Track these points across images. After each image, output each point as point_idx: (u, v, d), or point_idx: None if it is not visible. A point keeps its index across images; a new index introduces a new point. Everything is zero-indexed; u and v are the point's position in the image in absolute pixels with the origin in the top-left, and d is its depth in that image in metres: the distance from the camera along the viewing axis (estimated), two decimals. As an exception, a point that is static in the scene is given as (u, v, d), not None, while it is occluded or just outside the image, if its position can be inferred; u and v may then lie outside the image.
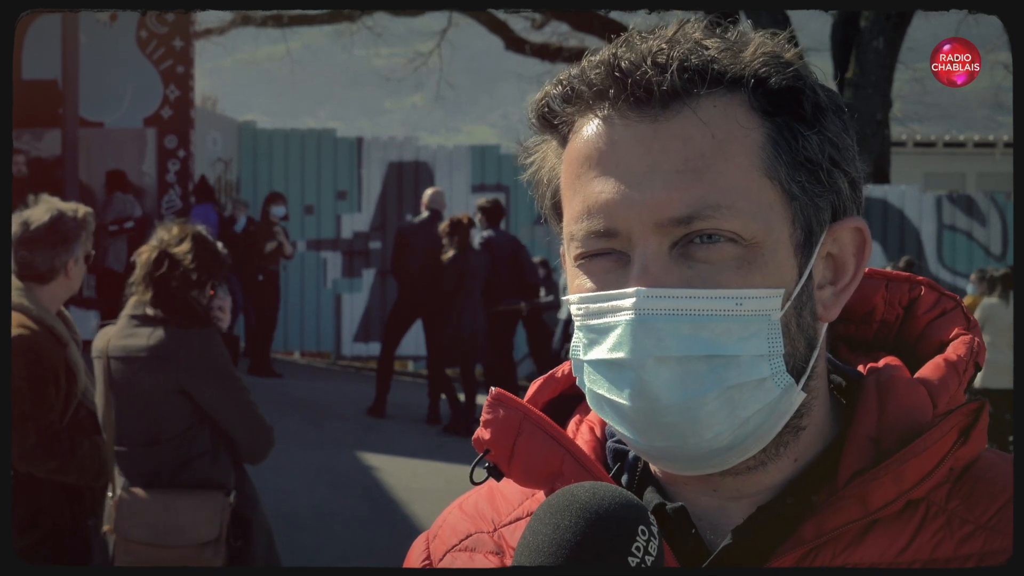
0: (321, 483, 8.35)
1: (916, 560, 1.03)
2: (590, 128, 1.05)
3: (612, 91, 1.03)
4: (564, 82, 1.07)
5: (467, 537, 1.20)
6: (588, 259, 1.06)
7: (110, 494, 3.95)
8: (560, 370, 1.22)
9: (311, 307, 14.50)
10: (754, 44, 1.04)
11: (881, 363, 1.12)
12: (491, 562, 1.17)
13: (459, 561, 1.19)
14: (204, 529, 3.86)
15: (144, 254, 4.03)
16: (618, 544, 0.92)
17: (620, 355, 1.02)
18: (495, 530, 1.19)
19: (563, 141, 1.09)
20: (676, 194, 1.00)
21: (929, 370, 1.09)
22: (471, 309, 10.90)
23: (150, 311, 3.97)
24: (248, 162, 16.24)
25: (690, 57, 1.01)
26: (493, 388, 1.18)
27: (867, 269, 1.15)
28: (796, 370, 1.05)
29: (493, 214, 11.58)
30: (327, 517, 7.59)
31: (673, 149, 1.01)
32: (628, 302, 1.01)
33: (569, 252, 1.08)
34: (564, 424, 1.20)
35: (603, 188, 1.03)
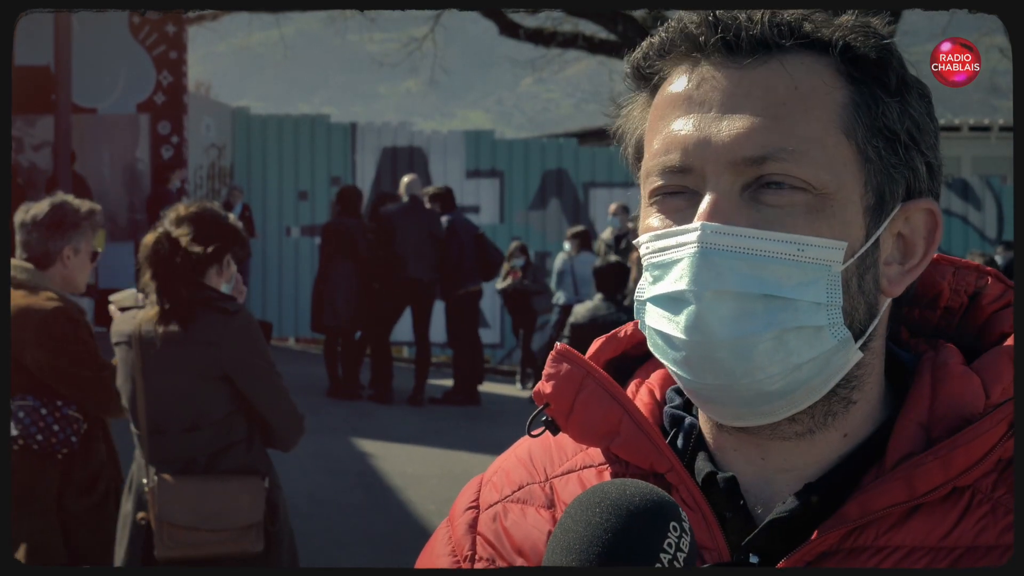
0: (317, 470, 8.36)
1: (958, 546, 1.03)
2: (680, 75, 1.08)
3: (704, 38, 1.06)
4: (662, 33, 1.10)
5: (520, 488, 1.21)
6: (661, 197, 1.08)
7: (144, 480, 3.94)
8: (623, 330, 1.23)
9: (305, 293, 14.45)
10: (850, 14, 1.07)
11: (938, 350, 1.13)
12: (543, 517, 1.18)
13: (512, 513, 1.20)
14: (247, 512, 3.87)
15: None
16: (649, 541, 0.92)
17: (680, 287, 1.03)
18: (547, 480, 1.21)
19: (653, 92, 1.12)
20: (752, 135, 1.02)
21: (985, 360, 1.09)
22: (334, 278, 11.21)
23: (184, 298, 3.92)
24: (242, 148, 16.18)
25: (784, 13, 1.06)
26: (558, 343, 1.20)
27: (935, 255, 1.16)
28: (854, 331, 1.06)
29: (448, 200, 11.57)
30: (323, 504, 7.59)
31: (755, 95, 1.04)
32: (693, 235, 1.03)
33: (644, 189, 1.10)
34: (623, 384, 1.21)
35: (683, 126, 1.05)
